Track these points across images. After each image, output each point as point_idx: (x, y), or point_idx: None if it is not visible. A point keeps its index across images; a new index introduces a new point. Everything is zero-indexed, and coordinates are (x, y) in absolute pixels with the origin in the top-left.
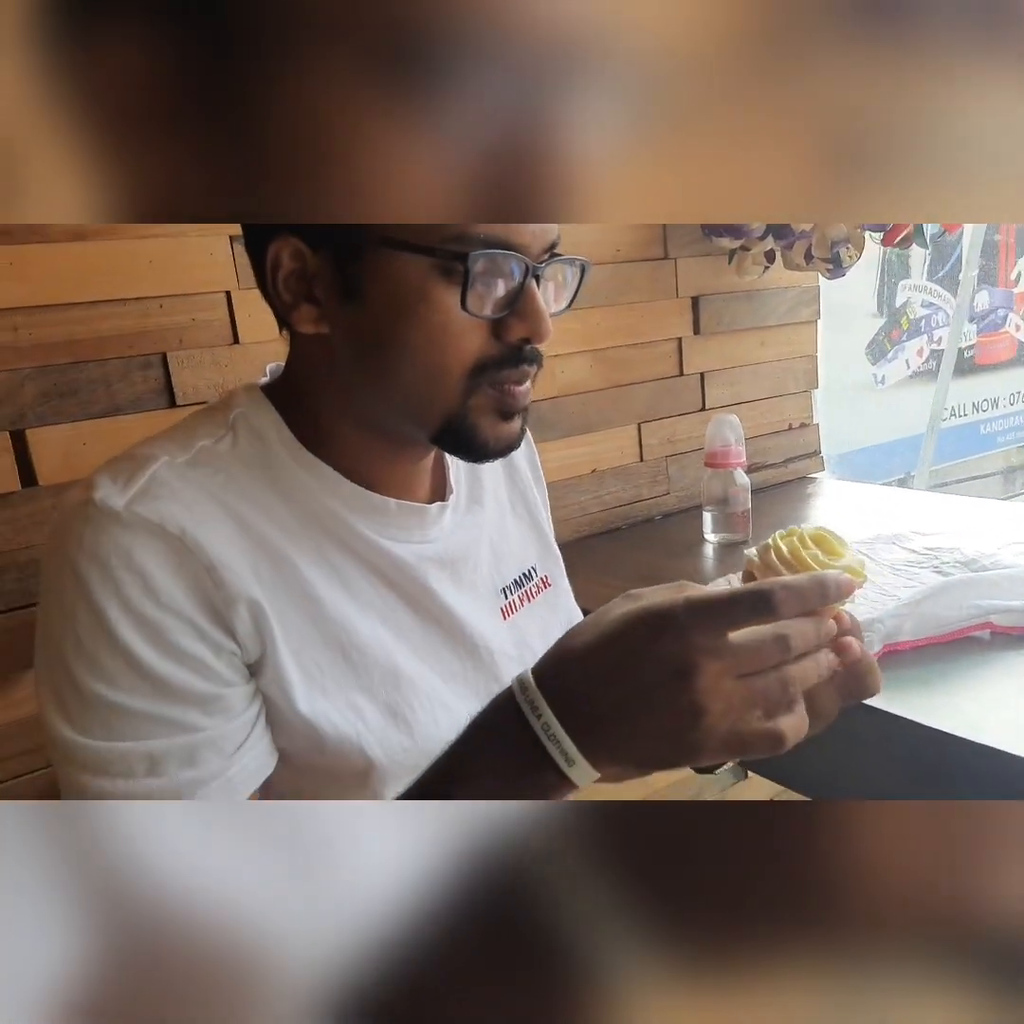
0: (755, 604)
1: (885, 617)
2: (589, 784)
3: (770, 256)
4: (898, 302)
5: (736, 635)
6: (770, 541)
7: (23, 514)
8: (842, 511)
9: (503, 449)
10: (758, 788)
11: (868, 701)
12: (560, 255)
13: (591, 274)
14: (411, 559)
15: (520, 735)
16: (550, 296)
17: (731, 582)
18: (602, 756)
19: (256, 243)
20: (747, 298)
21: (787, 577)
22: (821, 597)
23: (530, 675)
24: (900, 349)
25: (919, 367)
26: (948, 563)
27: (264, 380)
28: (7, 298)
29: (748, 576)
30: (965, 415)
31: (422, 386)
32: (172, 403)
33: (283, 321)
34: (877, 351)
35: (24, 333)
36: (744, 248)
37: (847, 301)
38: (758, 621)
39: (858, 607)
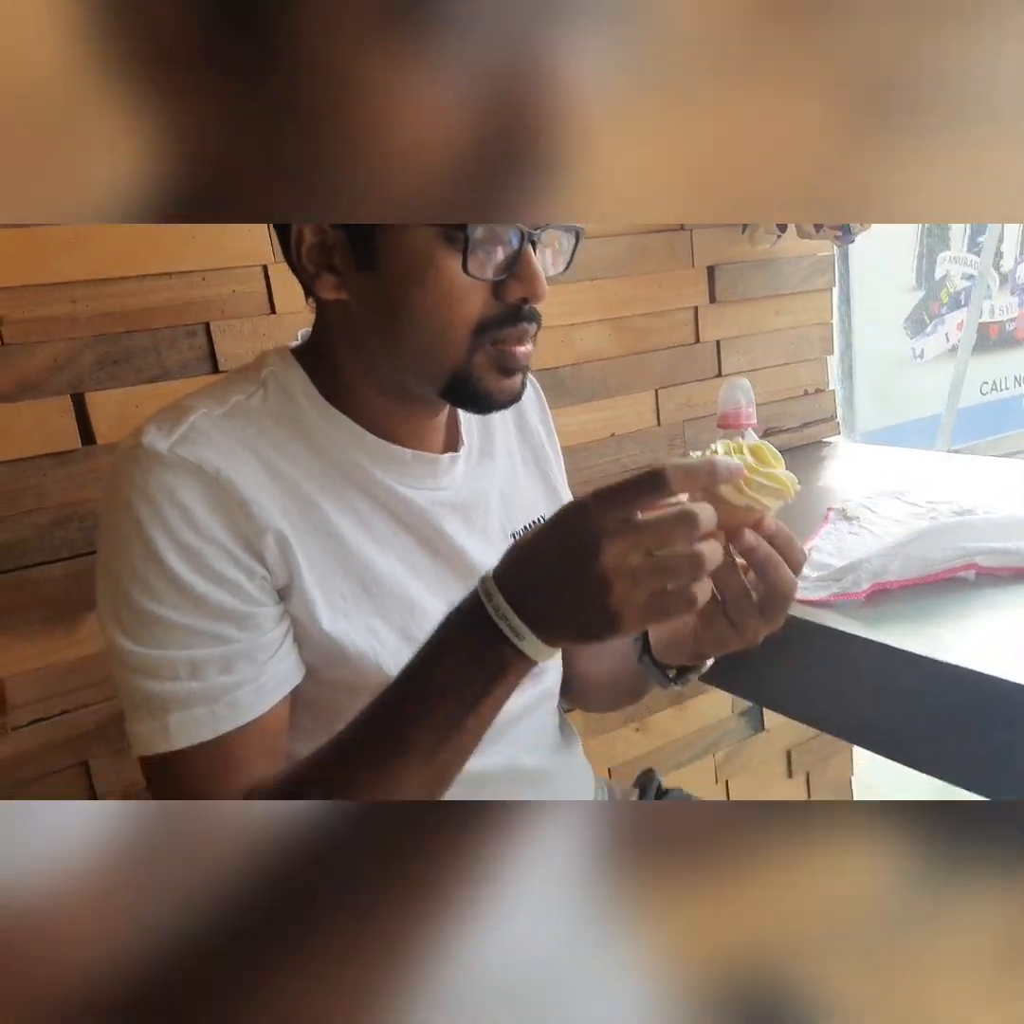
0: (651, 482)
1: (873, 557)
2: (546, 659)
3: (782, 225)
4: (937, 275)
5: (645, 516)
6: (713, 445)
7: (83, 470)
8: (856, 472)
9: (507, 401)
10: (778, 736)
11: (862, 634)
12: (555, 223)
13: (605, 245)
14: (425, 504)
15: (479, 618)
16: (548, 261)
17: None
18: (548, 632)
19: (283, 225)
20: (762, 267)
21: (681, 459)
22: (710, 476)
23: (492, 570)
24: (940, 322)
25: (959, 341)
26: (944, 514)
27: (295, 343)
28: (67, 273)
29: None
30: (1006, 389)
31: (430, 345)
32: (215, 369)
33: (307, 290)
34: (916, 325)
35: (82, 305)
36: None
37: (885, 274)
38: (654, 498)
39: (852, 550)
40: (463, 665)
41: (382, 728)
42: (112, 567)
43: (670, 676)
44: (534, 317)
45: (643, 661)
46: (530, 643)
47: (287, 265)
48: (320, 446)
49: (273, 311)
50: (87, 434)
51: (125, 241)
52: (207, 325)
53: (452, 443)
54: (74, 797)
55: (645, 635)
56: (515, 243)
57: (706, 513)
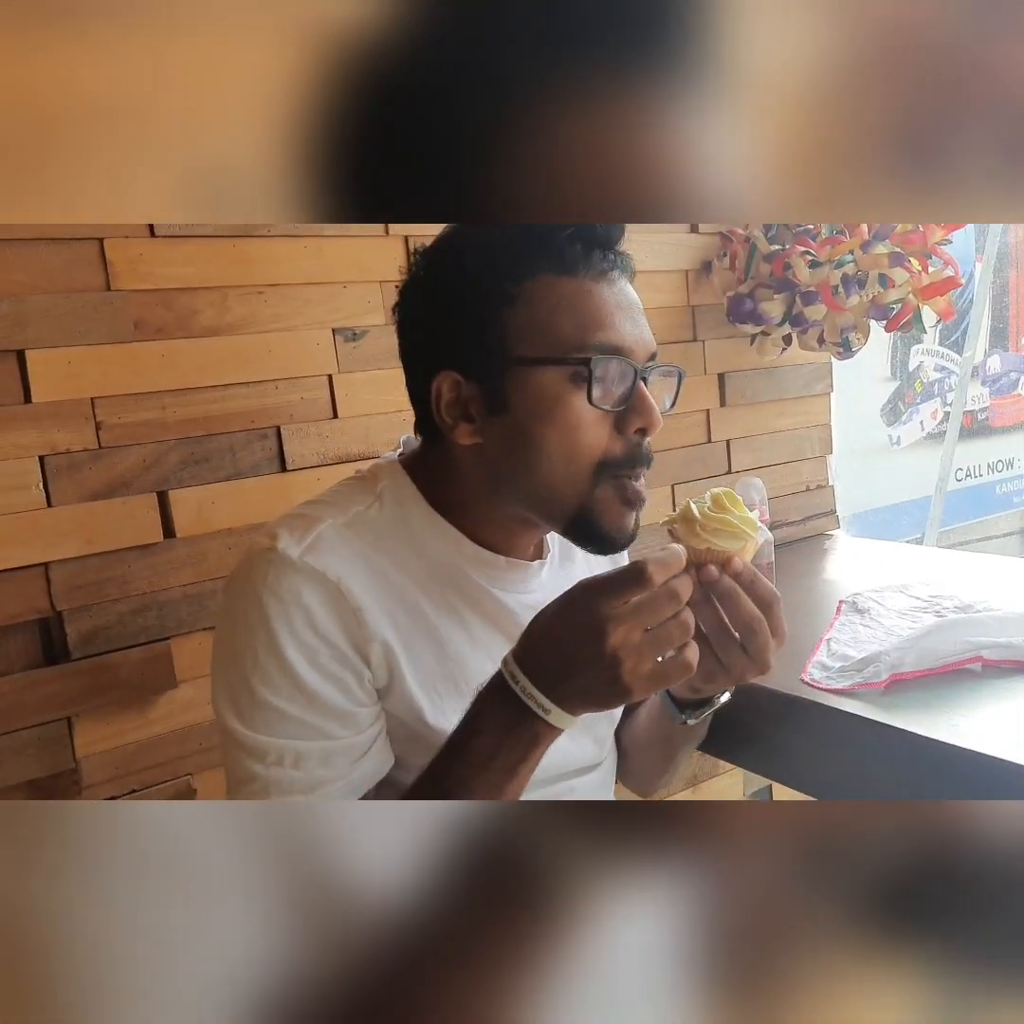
0: (637, 577)
1: (890, 650)
2: (570, 726)
3: (787, 339)
4: (911, 366)
5: (637, 598)
6: (684, 505)
7: (163, 561)
8: (856, 565)
9: (625, 541)
10: None
11: (883, 720)
12: (660, 365)
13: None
14: (514, 606)
15: (508, 696)
16: (659, 398)
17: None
18: (570, 704)
19: (419, 379)
20: (767, 374)
21: (654, 554)
22: (677, 561)
23: (511, 653)
24: (915, 411)
25: (933, 429)
26: (947, 608)
27: (399, 451)
28: (159, 383)
29: (671, 533)
30: (981, 476)
31: (557, 477)
32: (283, 468)
33: (441, 436)
34: (892, 413)
35: (170, 411)
36: (764, 333)
37: (862, 367)
38: (640, 590)
39: (867, 642)
40: (499, 738)
41: (432, 800)
42: (235, 653)
43: (681, 712)
44: (649, 459)
45: (660, 695)
46: (556, 715)
47: (415, 412)
48: (426, 551)
49: (336, 416)
50: (168, 528)
51: (209, 354)
52: (278, 429)
53: (539, 551)
54: None
55: None
56: (629, 378)
57: (684, 585)
